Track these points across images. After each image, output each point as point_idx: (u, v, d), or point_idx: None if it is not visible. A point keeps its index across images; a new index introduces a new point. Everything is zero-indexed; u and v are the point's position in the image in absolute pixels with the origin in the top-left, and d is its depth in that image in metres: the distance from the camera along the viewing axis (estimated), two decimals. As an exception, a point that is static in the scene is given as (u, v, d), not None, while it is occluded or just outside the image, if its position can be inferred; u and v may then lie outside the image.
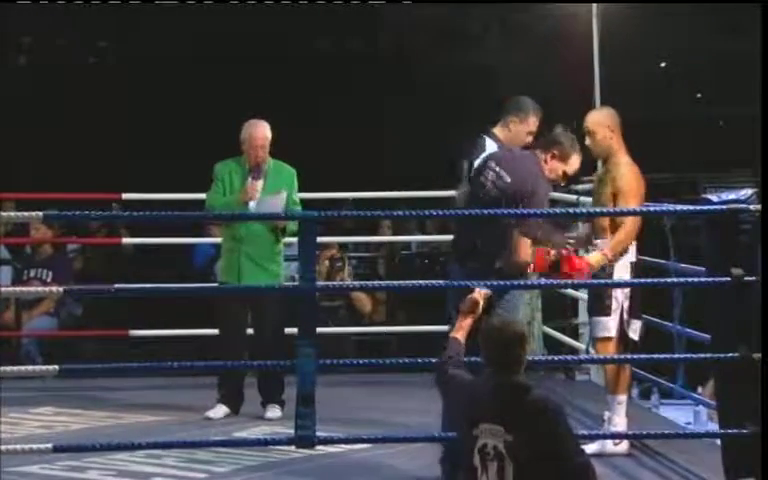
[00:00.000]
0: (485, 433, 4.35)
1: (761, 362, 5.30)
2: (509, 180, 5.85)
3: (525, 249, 5.80)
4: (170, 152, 11.21)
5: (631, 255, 6.25)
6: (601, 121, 6.33)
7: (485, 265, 5.74)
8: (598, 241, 6.22)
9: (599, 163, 8.18)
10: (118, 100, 12.65)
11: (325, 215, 6.49)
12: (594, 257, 6.11)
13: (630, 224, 6.17)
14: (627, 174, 6.20)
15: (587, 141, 6.32)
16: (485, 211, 5.74)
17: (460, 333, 4.82)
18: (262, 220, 7.10)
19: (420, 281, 8.57)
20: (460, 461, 4.50)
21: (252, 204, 7.04)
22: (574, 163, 6.03)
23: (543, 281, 6.24)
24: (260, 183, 7.10)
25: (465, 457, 4.44)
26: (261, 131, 7.12)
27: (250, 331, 7.24)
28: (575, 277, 5.95)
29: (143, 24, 12.92)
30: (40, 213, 6.84)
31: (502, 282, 5.72)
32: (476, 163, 6.05)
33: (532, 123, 6.29)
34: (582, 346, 7.79)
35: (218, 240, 7.57)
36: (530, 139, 6.39)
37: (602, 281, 6.23)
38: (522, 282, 6.01)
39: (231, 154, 7.20)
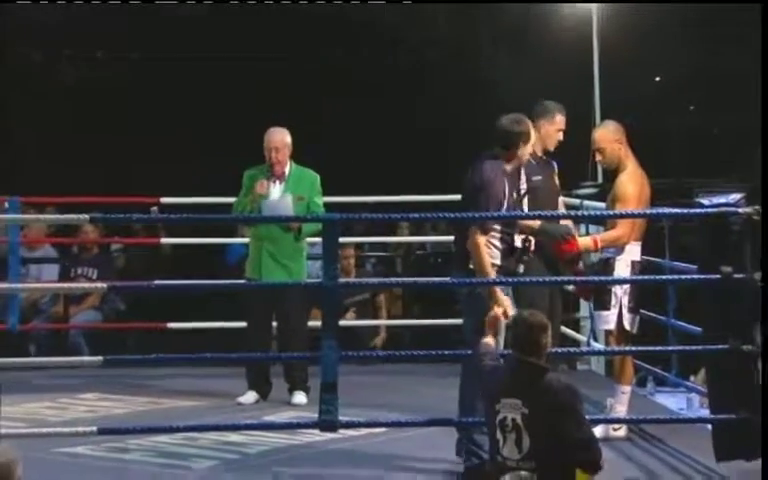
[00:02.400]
0: (505, 407, 4.48)
1: (761, 355, 5.29)
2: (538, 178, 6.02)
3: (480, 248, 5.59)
4: (205, 159, 11.22)
5: (634, 255, 6.25)
6: (609, 137, 6.30)
7: (461, 267, 5.69)
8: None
9: (599, 171, 8.19)
10: (157, 110, 12.67)
11: (346, 217, 6.49)
12: (584, 240, 6.20)
13: (623, 226, 6.18)
14: (626, 183, 6.19)
15: (597, 157, 6.31)
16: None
17: (489, 338, 4.97)
18: (281, 222, 7.08)
19: (434, 278, 8.57)
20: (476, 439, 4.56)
21: (265, 204, 7.04)
22: (560, 120, 6.21)
23: (548, 279, 6.23)
24: (273, 184, 7.08)
25: (490, 430, 4.56)
26: (277, 136, 7.12)
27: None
28: (570, 255, 6.03)
29: (172, 36, 12.91)
30: (86, 216, 6.88)
31: (501, 279, 5.72)
32: None
33: (559, 121, 6.41)
34: (583, 339, 7.77)
35: (247, 240, 7.58)
36: (561, 135, 6.42)
37: (603, 278, 6.23)
38: (528, 279, 6.00)
39: (262, 160, 7.21)
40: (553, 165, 6.64)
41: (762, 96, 5.55)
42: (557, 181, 6.59)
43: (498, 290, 5.47)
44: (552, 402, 4.45)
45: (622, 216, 6.12)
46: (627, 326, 6.22)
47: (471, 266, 5.63)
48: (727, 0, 10.73)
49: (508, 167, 5.69)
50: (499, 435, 4.47)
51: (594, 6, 9.18)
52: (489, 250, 5.58)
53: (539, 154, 6.42)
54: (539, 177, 6.34)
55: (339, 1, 12.21)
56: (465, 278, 5.66)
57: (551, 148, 6.46)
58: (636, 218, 6.16)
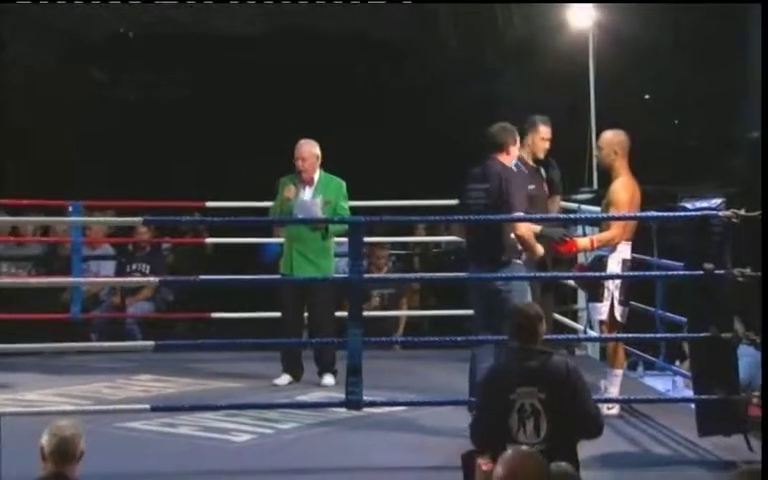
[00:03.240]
0: (522, 395, 4.31)
1: (762, 347, 5.28)
2: (487, 186, 5.89)
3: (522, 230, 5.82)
4: (246, 167, 11.23)
5: (625, 253, 6.24)
6: (610, 142, 6.29)
7: (493, 260, 5.80)
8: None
9: (595, 178, 8.18)
10: (205, 127, 12.70)
11: (369, 220, 6.51)
12: (582, 241, 6.22)
13: (615, 229, 6.18)
14: (619, 191, 6.19)
15: (596, 152, 6.36)
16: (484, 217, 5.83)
17: None
18: (309, 224, 7.06)
19: (448, 274, 8.57)
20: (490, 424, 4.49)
21: (295, 207, 7.04)
22: (517, 142, 6.09)
23: (551, 274, 6.24)
24: (303, 189, 7.07)
25: (499, 421, 4.37)
26: (304, 148, 7.12)
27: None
28: (568, 255, 6.13)
29: (223, 58, 12.92)
30: (140, 218, 6.91)
31: (504, 272, 5.78)
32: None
33: (543, 131, 6.47)
34: (580, 327, 7.76)
35: (282, 240, 7.59)
36: (547, 143, 6.46)
37: (598, 274, 6.23)
38: (536, 274, 6.03)
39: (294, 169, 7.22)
40: (542, 173, 6.69)
41: (762, 96, 5.51)
42: (545, 187, 6.71)
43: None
44: (566, 382, 4.31)
45: (615, 219, 6.13)
46: (618, 317, 6.22)
47: (503, 258, 5.74)
48: (727, 0, 10.67)
49: (512, 166, 5.85)
50: (514, 423, 4.30)
51: (591, 32, 9.19)
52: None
53: (531, 163, 6.47)
54: (533, 186, 6.42)
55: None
56: (494, 273, 5.76)
57: (540, 156, 6.53)
58: (628, 221, 6.16)
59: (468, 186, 5.99)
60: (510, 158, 5.94)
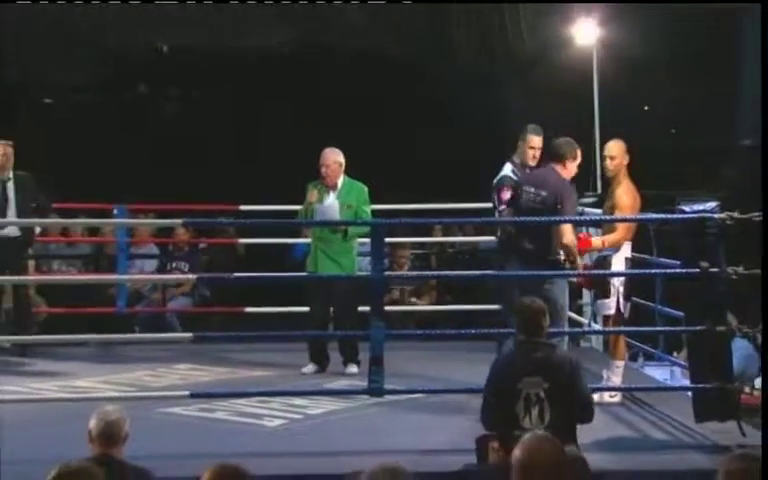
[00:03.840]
0: (527, 385, 4.36)
1: (762, 342, 5.25)
2: (545, 194, 6.02)
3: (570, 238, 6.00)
4: (277, 173, 11.24)
5: (626, 252, 6.24)
6: (621, 150, 6.28)
7: (540, 258, 5.94)
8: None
9: (599, 183, 8.16)
10: (240, 137, 12.73)
11: (389, 222, 6.49)
12: (595, 241, 6.25)
13: (621, 231, 6.17)
14: (622, 195, 6.18)
15: (607, 162, 6.32)
16: (536, 219, 5.96)
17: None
18: (333, 226, 7.05)
19: (463, 271, 8.56)
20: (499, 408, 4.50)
21: (317, 210, 7.04)
22: (577, 158, 6.16)
23: (564, 272, 6.26)
24: (327, 194, 7.06)
25: (507, 408, 4.42)
26: (328, 156, 7.12)
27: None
28: (584, 251, 6.16)
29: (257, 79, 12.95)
30: (180, 220, 6.92)
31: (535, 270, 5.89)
32: (494, 181, 6.37)
33: (530, 140, 6.45)
34: (585, 321, 7.73)
35: (309, 240, 7.60)
36: (534, 152, 6.46)
37: (604, 272, 6.22)
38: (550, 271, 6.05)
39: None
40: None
41: (762, 97, 5.48)
42: None
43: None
44: (568, 374, 4.38)
45: (620, 220, 6.13)
46: (623, 311, 6.21)
47: (551, 258, 5.94)
48: (727, 0, 10.62)
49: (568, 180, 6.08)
50: (520, 410, 4.35)
51: (594, 47, 9.19)
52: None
53: (524, 168, 6.48)
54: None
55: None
56: (541, 270, 5.92)
57: (529, 162, 6.47)
58: (632, 223, 6.15)
59: (524, 186, 6.13)
60: (567, 172, 6.10)
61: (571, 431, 4.35)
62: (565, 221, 5.96)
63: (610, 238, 6.21)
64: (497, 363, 4.66)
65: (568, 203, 5.98)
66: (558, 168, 6.08)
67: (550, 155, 6.15)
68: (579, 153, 6.17)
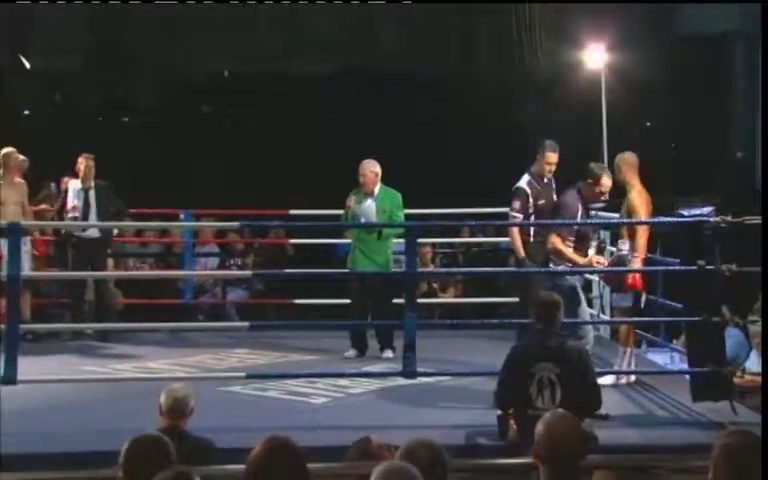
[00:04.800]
0: (541, 369, 4.37)
1: (762, 338, 5.20)
2: (542, 202, 6.20)
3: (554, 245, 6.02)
4: (323, 180, 11.30)
5: (643, 253, 6.19)
6: (624, 162, 6.22)
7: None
8: (620, 243, 6.22)
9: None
10: (289, 151, 12.78)
11: (420, 225, 6.47)
12: (635, 263, 6.06)
13: (642, 233, 6.08)
14: (635, 200, 6.10)
15: (616, 171, 6.27)
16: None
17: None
18: (371, 228, 7.02)
19: (487, 268, 8.52)
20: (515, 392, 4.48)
21: (356, 213, 7.02)
22: (605, 182, 6.11)
23: (587, 269, 6.25)
24: (365, 199, 7.03)
25: (521, 389, 4.41)
26: (366, 166, 7.11)
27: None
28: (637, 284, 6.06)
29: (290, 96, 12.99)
30: (237, 223, 6.95)
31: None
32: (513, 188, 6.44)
33: (547, 156, 6.40)
34: (595, 312, 7.67)
35: (349, 240, 7.60)
36: (549, 167, 6.40)
37: (617, 268, 6.15)
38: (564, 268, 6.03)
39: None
40: (552, 185, 6.58)
41: (762, 98, 5.42)
42: (554, 196, 6.54)
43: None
44: (578, 363, 4.38)
45: (626, 224, 6.10)
46: (641, 305, 6.17)
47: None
48: (727, 0, 10.50)
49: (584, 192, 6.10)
50: (533, 391, 4.35)
51: (603, 71, 9.15)
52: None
53: (541, 179, 6.43)
54: (543, 201, 6.38)
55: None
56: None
57: (545, 176, 6.43)
58: (646, 225, 6.08)
59: (537, 197, 6.31)
60: (592, 191, 6.11)
61: (580, 413, 4.32)
62: (564, 224, 6.01)
63: (641, 245, 6.07)
64: (515, 349, 4.66)
65: (563, 212, 6.04)
66: (582, 186, 6.13)
67: (586, 174, 6.14)
68: (603, 175, 6.12)
